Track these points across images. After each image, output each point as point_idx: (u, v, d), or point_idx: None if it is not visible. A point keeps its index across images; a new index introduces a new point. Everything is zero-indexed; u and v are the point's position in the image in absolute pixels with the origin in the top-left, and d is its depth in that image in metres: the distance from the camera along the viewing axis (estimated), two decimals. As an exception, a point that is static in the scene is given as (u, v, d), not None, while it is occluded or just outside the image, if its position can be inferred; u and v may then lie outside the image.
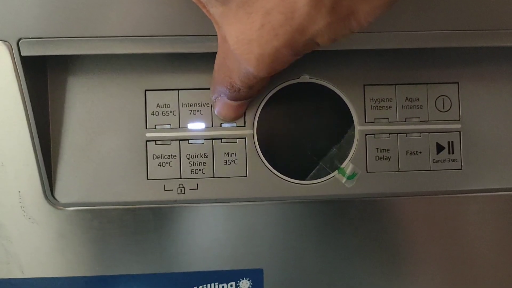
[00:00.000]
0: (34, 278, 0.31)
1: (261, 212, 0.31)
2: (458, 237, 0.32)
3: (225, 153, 0.31)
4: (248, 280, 0.32)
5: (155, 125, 0.31)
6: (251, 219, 0.31)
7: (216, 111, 0.30)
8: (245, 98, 0.29)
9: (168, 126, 0.31)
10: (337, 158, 0.31)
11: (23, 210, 0.30)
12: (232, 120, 0.31)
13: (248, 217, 0.31)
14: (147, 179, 0.31)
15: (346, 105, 0.31)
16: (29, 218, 0.30)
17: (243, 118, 0.31)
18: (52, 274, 0.31)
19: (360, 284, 0.32)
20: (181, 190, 0.31)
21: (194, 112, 0.31)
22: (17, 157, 0.29)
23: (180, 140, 0.31)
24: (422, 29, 0.28)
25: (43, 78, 0.30)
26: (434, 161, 0.32)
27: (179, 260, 0.31)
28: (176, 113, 0.31)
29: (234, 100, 0.29)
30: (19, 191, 0.29)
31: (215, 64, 0.27)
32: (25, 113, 0.29)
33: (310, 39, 0.21)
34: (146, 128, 0.31)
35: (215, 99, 0.30)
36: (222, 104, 0.29)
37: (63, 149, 0.30)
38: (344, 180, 0.31)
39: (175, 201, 0.31)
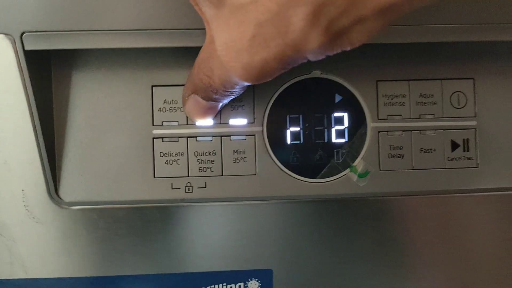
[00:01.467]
0: (38, 278, 0.30)
1: (271, 211, 0.30)
2: (474, 237, 0.31)
3: (234, 150, 0.30)
4: (257, 281, 0.31)
5: (162, 121, 0.30)
6: (261, 218, 0.30)
7: (185, 108, 0.29)
8: (219, 100, 0.28)
9: (176, 123, 0.30)
10: (349, 156, 0.31)
11: (26, 209, 0.29)
12: (199, 120, 0.30)
13: (258, 216, 0.30)
14: (154, 177, 0.30)
15: (358, 101, 0.31)
16: (33, 218, 0.29)
17: (253, 114, 0.30)
18: (57, 275, 0.30)
19: (371, 285, 0.31)
20: (188, 188, 0.30)
21: (202, 109, 0.30)
22: (21, 154, 0.28)
23: (187, 137, 0.30)
24: (436, 22, 0.28)
25: (48, 74, 0.30)
26: (449, 159, 0.31)
27: (186, 260, 0.30)
28: (183, 109, 0.30)
29: (207, 100, 0.28)
30: (23, 190, 0.29)
31: (196, 60, 0.26)
32: (29, 109, 0.28)
33: (301, 54, 0.21)
34: (153, 125, 0.30)
35: (187, 96, 0.29)
36: (193, 102, 0.28)
37: (68, 147, 0.30)
38: (356, 178, 0.30)
39: (182, 200, 0.30)
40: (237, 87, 0.25)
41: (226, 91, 0.26)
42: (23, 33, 0.27)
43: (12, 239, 0.29)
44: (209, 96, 0.27)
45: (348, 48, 0.21)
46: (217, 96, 0.27)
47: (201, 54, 0.26)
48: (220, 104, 0.29)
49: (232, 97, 0.27)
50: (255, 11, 0.20)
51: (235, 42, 0.21)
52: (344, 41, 0.21)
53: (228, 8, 0.21)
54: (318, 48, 0.20)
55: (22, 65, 0.27)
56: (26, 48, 0.27)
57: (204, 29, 0.27)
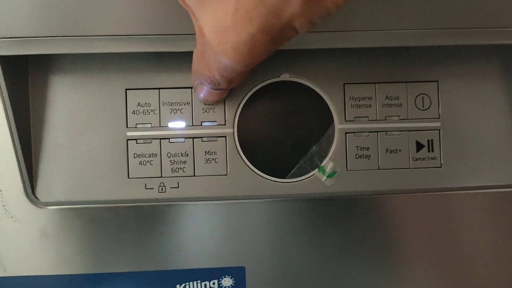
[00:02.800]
0: (17, 276, 0.31)
1: (242, 211, 0.31)
2: (438, 235, 0.32)
3: (205, 151, 0.31)
4: (231, 278, 0.32)
5: (136, 124, 0.31)
6: (233, 217, 0.31)
7: (198, 96, 0.30)
8: (226, 88, 0.28)
9: (149, 125, 0.31)
10: (317, 156, 0.31)
11: (5, 208, 0.30)
12: (214, 103, 0.31)
13: (230, 215, 0.31)
14: (128, 177, 0.31)
15: (326, 103, 0.31)
16: (11, 217, 0.30)
17: (223, 117, 0.31)
18: (35, 273, 0.31)
19: (340, 281, 0.32)
20: (162, 188, 0.31)
21: (175, 111, 0.31)
22: None
23: (160, 139, 0.31)
24: (401, 27, 0.28)
25: (24, 78, 0.30)
26: (414, 159, 0.32)
27: (161, 258, 0.31)
28: (156, 112, 0.31)
29: (215, 90, 0.28)
30: (1, 190, 0.30)
31: (193, 57, 0.27)
32: (5, 112, 0.29)
33: (286, 22, 0.21)
34: (127, 127, 0.31)
35: (197, 85, 0.29)
36: (204, 91, 0.29)
37: (45, 148, 0.30)
38: (324, 178, 0.31)
39: (156, 200, 0.31)
40: (235, 75, 0.25)
41: (227, 82, 0.26)
42: None
43: (-9, 238, 0.30)
44: (214, 87, 0.27)
45: (334, 9, 0.21)
46: (221, 87, 0.27)
47: (195, 53, 0.26)
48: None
49: (236, 84, 0.28)
50: None
51: (220, 21, 0.21)
52: (327, 1, 0.20)
53: None
54: (301, 9, 0.20)
55: None
56: (1, 54, 0.27)
57: (177, 34, 0.28)
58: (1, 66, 0.28)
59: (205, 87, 0.28)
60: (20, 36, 0.27)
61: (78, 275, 0.31)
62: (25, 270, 0.31)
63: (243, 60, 0.22)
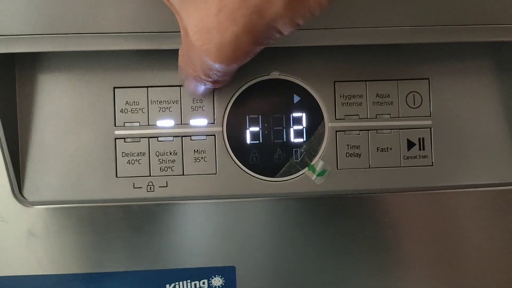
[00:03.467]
0: (3, 276, 0.30)
1: (232, 210, 0.31)
2: (429, 233, 0.32)
3: (194, 150, 0.31)
4: (221, 278, 0.32)
5: (124, 122, 0.31)
6: (222, 216, 0.31)
7: (185, 88, 0.30)
8: (214, 86, 0.28)
9: (137, 124, 0.31)
10: (307, 155, 0.31)
11: (-9, 208, 0.30)
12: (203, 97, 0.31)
13: (219, 214, 0.31)
14: (116, 176, 0.31)
15: (317, 101, 0.31)
16: (-2, 216, 0.30)
17: (212, 115, 0.31)
18: (23, 272, 0.30)
19: (331, 279, 0.32)
20: (150, 187, 0.31)
21: (163, 110, 0.31)
22: None
23: (149, 137, 0.31)
24: (392, 25, 0.28)
25: (11, 75, 0.30)
26: (405, 157, 0.32)
27: (150, 258, 0.31)
28: (145, 110, 0.31)
29: (203, 85, 0.28)
30: (-13, 189, 0.29)
31: (179, 56, 0.27)
32: (-9, 111, 0.28)
33: (269, 23, 0.20)
34: (115, 126, 0.31)
35: (185, 78, 0.29)
36: (192, 85, 0.28)
37: (32, 147, 0.30)
38: (314, 177, 0.31)
39: (144, 199, 0.31)
40: (219, 73, 0.24)
41: (213, 82, 0.26)
42: None
43: (-22, 238, 0.30)
44: (202, 83, 0.27)
45: (317, 10, 0.20)
46: (208, 84, 0.27)
47: (181, 52, 0.26)
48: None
49: (223, 84, 0.27)
50: None
51: (204, 21, 0.21)
52: (310, 0, 0.20)
53: None
54: (284, 10, 0.20)
55: None
56: None
57: (164, 32, 0.28)
58: None
59: (192, 81, 0.28)
60: (6, 34, 0.27)
61: (66, 274, 0.31)
62: (12, 270, 0.30)
63: (227, 60, 0.22)
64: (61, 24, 0.27)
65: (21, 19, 0.27)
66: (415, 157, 0.32)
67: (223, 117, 0.31)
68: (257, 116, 0.31)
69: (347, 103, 0.31)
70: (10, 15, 0.27)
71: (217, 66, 0.23)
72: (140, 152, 0.31)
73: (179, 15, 0.23)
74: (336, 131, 0.31)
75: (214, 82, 0.26)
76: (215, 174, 0.31)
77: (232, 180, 0.31)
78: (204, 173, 0.31)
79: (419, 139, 0.32)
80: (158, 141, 0.31)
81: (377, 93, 0.31)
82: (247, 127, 0.31)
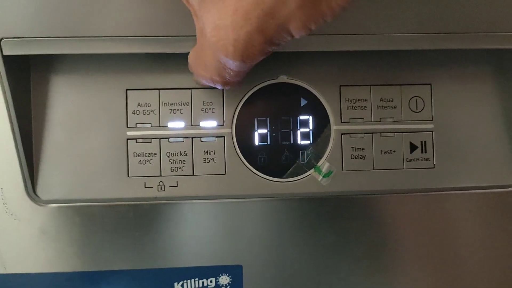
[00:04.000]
0: (16, 274, 0.31)
1: (240, 210, 0.32)
2: (430, 234, 0.33)
3: (204, 151, 0.32)
4: (228, 276, 0.32)
5: (136, 123, 0.31)
6: (230, 216, 0.32)
7: (197, 82, 0.30)
8: (225, 87, 0.29)
9: (149, 125, 0.31)
10: (314, 156, 0.32)
11: (5, 206, 0.30)
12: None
13: (227, 214, 0.32)
14: (128, 176, 0.31)
15: (323, 105, 0.32)
16: (12, 215, 0.30)
17: (222, 117, 0.32)
18: (35, 270, 0.31)
19: (335, 278, 0.33)
20: (161, 187, 0.31)
21: (174, 111, 0.31)
22: (0, 155, 0.30)
23: (160, 138, 0.31)
24: (396, 32, 0.29)
25: (26, 77, 0.31)
26: (408, 160, 0.32)
27: (160, 256, 0.32)
28: (156, 112, 0.31)
29: (217, 84, 0.29)
30: (2, 188, 0.30)
31: (189, 58, 0.27)
32: (7, 111, 0.29)
33: (282, 24, 0.21)
34: (127, 127, 0.31)
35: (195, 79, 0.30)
36: (203, 84, 0.30)
37: (45, 147, 0.31)
38: (320, 178, 0.32)
39: (155, 198, 0.31)
40: (232, 72, 0.25)
41: (224, 83, 0.27)
42: (1, 39, 0.28)
43: (-9, 235, 0.30)
44: (213, 84, 0.28)
45: (330, 16, 0.21)
46: (219, 85, 0.28)
47: (194, 52, 0.27)
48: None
49: (238, 80, 0.28)
50: None
51: (222, 19, 0.22)
52: (323, 6, 0.21)
53: None
54: (297, 14, 0.21)
55: (0, 69, 0.28)
56: (4, 53, 0.28)
57: (177, 36, 0.28)
58: (5, 66, 0.28)
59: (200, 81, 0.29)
60: (23, 36, 0.28)
61: (77, 272, 0.31)
62: (25, 268, 0.31)
63: (240, 57, 0.23)
64: (76, 27, 0.28)
65: (36, 22, 0.28)
66: (417, 159, 0.33)
67: (232, 119, 0.32)
68: (265, 118, 0.32)
69: (352, 106, 0.32)
70: (25, 18, 0.28)
71: (230, 62, 0.24)
72: (151, 153, 0.31)
73: (197, 16, 0.24)
74: (342, 134, 0.32)
75: (225, 83, 0.27)
76: (224, 174, 0.32)
77: (240, 181, 0.32)
78: (214, 173, 0.32)
79: (421, 142, 0.33)
80: (169, 142, 0.31)
81: (381, 97, 0.32)
82: (256, 129, 0.32)
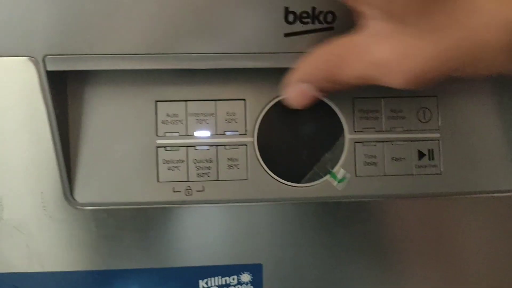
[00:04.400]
0: (53, 272, 0.33)
1: (261, 213, 0.33)
2: (439, 237, 0.34)
3: (228, 158, 0.33)
4: (249, 274, 0.34)
5: (165, 132, 0.33)
6: (252, 218, 0.33)
7: (287, 94, 0.31)
8: (331, 92, 0.29)
9: (177, 134, 0.33)
10: (329, 163, 0.34)
11: (44, 209, 0.32)
12: (295, 107, 0.31)
13: (249, 216, 0.33)
14: (158, 181, 0.33)
15: (337, 115, 0.34)
16: (50, 217, 0.32)
17: (244, 127, 0.34)
18: (70, 268, 0.33)
19: (349, 279, 0.34)
20: (188, 192, 0.33)
21: (200, 121, 0.33)
22: (40, 161, 0.31)
23: (187, 146, 0.33)
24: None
25: (64, 90, 0.33)
26: (417, 166, 0.34)
27: (185, 256, 0.33)
28: (184, 122, 0.33)
29: (318, 91, 0.29)
30: (42, 192, 0.32)
31: (320, 52, 0.28)
32: (48, 121, 0.31)
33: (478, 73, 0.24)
34: (157, 136, 0.33)
35: (294, 82, 0.30)
36: (297, 90, 0.30)
37: (82, 155, 0.33)
38: (335, 183, 0.34)
39: (183, 202, 0.33)
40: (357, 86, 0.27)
41: (338, 89, 0.28)
42: (45, 55, 0.30)
43: (31, 236, 0.32)
44: (322, 86, 0.29)
45: None
46: (330, 88, 0.29)
47: (333, 49, 0.27)
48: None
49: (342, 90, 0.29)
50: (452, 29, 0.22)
51: (419, 50, 0.23)
52: None
53: (415, 25, 0.23)
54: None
55: (43, 83, 0.30)
56: (48, 69, 0.30)
57: (202, 53, 0.30)
58: (47, 80, 0.30)
59: (301, 87, 0.29)
60: (65, 53, 0.30)
61: (110, 270, 0.33)
62: (61, 266, 0.32)
63: (412, 85, 0.25)
64: (110, 45, 0.30)
65: (74, 40, 0.29)
66: (425, 166, 0.34)
67: (254, 129, 0.33)
68: (284, 127, 0.34)
69: (365, 117, 0.34)
70: (66, 36, 0.29)
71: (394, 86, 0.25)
72: (179, 160, 0.33)
73: (363, 30, 0.26)
74: (355, 142, 0.34)
75: (342, 86, 0.28)
76: (247, 180, 0.33)
77: (261, 186, 0.33)
78: (237, 179, 0.33)
79: (429, 150, 0.34)
80: (195, 149, 0.33)
81: (392, 109, 0.34)
82: (276, 138, 0.34)
